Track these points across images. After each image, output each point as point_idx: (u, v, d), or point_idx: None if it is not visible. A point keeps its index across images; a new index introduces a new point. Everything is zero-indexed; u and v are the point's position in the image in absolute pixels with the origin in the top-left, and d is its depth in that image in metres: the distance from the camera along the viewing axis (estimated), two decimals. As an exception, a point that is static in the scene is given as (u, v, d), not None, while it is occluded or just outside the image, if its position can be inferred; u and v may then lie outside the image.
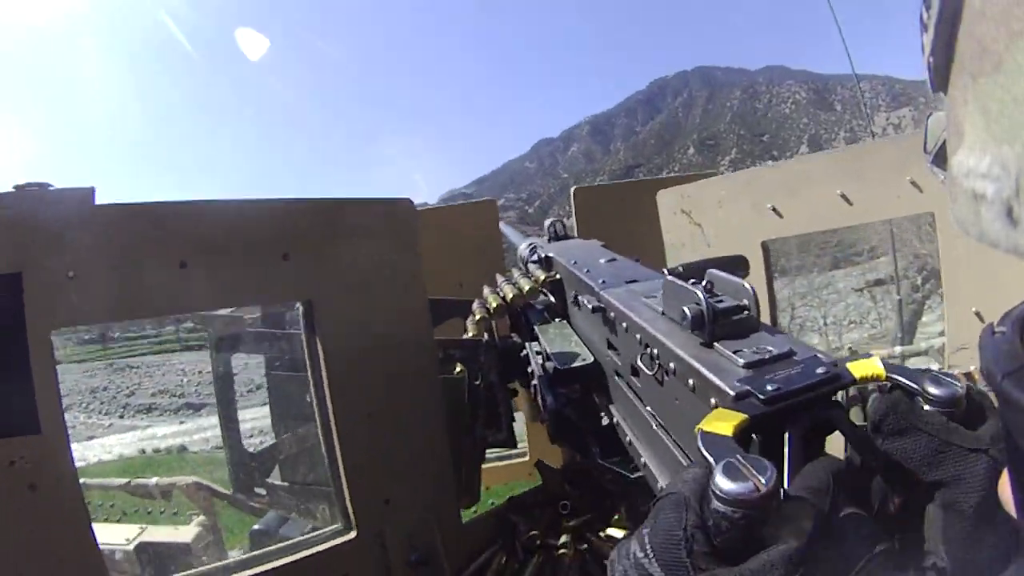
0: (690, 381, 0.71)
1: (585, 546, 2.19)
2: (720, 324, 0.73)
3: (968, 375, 1.81)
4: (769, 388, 0.59)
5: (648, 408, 0.92)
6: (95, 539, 1.39)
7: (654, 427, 0.89)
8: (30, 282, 1.30)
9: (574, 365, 1.28)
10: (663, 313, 0.86)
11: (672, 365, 0.77)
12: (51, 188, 1.39)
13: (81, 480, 1.44)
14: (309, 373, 1.70)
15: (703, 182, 2.59)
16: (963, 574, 0.51)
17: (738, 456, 0.48)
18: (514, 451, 2.90)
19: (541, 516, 2.31)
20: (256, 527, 2.36)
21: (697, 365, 0.69)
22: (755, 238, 2.37)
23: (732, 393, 0.61)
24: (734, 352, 0.68)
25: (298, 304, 1.69)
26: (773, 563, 0.44)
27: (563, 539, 2.22)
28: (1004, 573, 0.48)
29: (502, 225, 2.64)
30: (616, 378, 1.09)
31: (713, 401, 0.64)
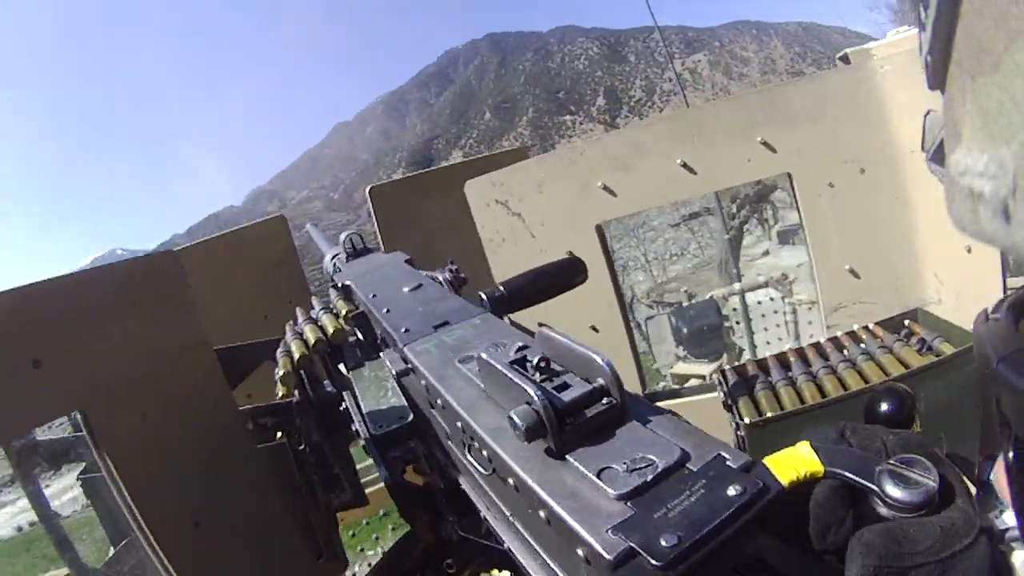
0: (542, 514, 0.53)
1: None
2: (570, 429, 0.55)
3: (852, 334, 1.78)
4: (664, 543, 0.43)
5: (498, 503, 0.69)
6: None
7: (510, 517, 0.66)
8: None
9: (394, 427, 1.10)
10: (486, 393, 0.67)
11: (512, 482, 0.58)
12: None
13: None
14: (114, 493, 1.48)
15: (517, 166, 2.42)
16: None
17: None
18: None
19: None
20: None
21: (549, 500, 0.51)
22: (587, 222, 2.26)
23: (609, 558, 0.44)
24: (599, 472, 0.50)
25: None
26: None
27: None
28: None
29: (308, 227, 2.34)
30: (448, 442, 0.85)
31: (580, 553, 0.47)
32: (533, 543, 0.60)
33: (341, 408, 1.46)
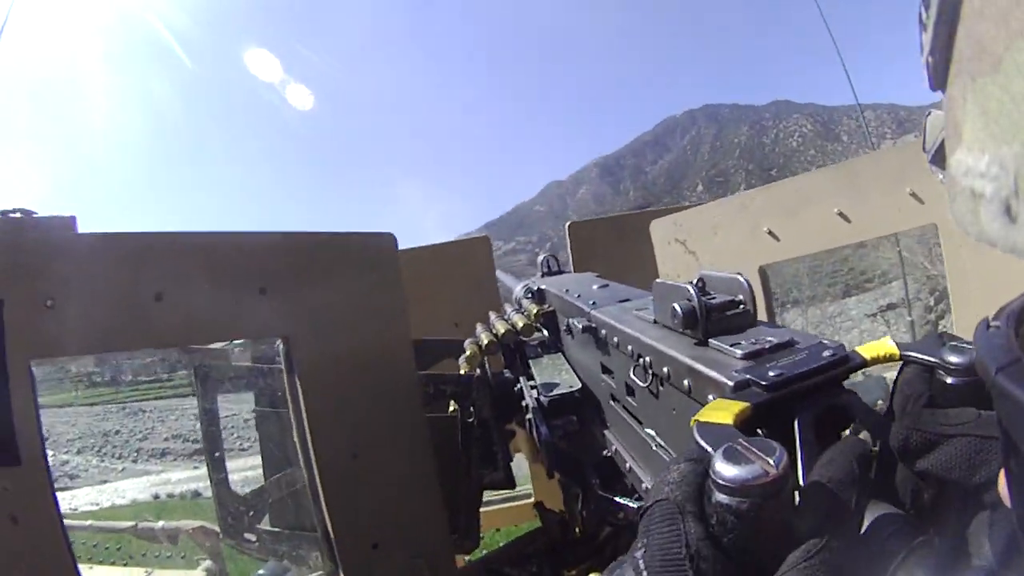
0: (685, 382, 0.66)
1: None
2: (713, 320, 0.69)
3: None
4: (771, 374, 0.54)
5: (646, 429, 0.86)
6: (80, 577, 1.32)
7: (654, 448, 0.82)
8: (10, 310, 1.25)
9: (563, 391, 1.25)
10: (655, 322, 0.82)
11: (666, 369, 0.72)
12: (34, 216, 1.37)
13: (88, 522, 1.38)
14: (291, 413, 1.64)
15: (696, 209, 2.52)
16: None
17: (740, 440, 0.41)
18: (518, 492, 2.81)
19: (539, 563, 2.22)
20: (260, 572, 2.28)
21: (690, 362, 0.65)
22: (752, 263, 2.29)
23: (730, 383, 0.56)
24: (731, 346, 0.64)
25: (278, 341, 1.63)
26: (806, 566, 0.37)
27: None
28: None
29: (498, 273, 2.59)
30: (612, 403, 1.03)
31: (711, 397, 0.58)
32: (667, 449, 0.78)
33: (515, 389, 1.56)
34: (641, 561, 0.40)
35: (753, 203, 2.32)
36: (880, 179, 2.04)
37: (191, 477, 16.36)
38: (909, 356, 0.56)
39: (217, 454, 2.22)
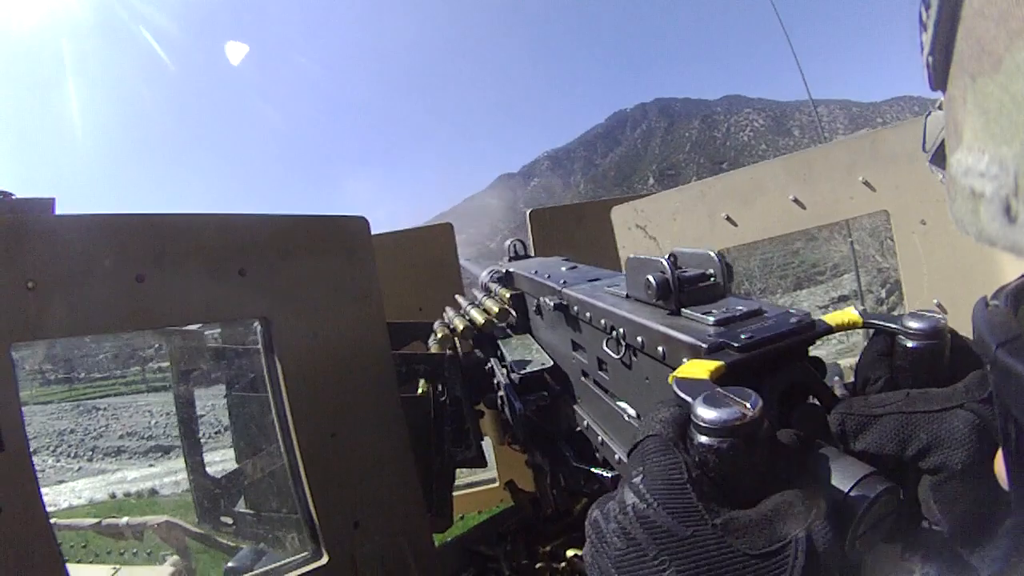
0: (660, 349, 0.70)
1: (564, 564, 2.16)
2: (686, 291, 0.73)
3: None
4: (743, 337, 0.58)
5: (618, 402, 0.91)
6: (66, 571, 1.30)
7: (626, 419, 0.87)
8: (-10, 292, 1.24)
9: (536, 368, 1.30)
10: (627, 296, 0.85)
11: (640, 339, 0.75)
12: (12, 196, 1.36)
13: (52, 521, 1.37)
14: (269, 393, 1.66)
15: (656, 196, 2.60)
16: (961, 533, 0.50)
17: (717, 388, 0.45)
18: (483, 477, 2.87)
19: (514, 541, 2.28)
20: (230, 564, 2.28)
21: (665, 329, 0.68)
22: (712, 248, 2.37)
23: (704, 346, 0.60)
24: (703, 315, 0.67)
25: (256, 323, 1.66)
26: (793, 503, 0.41)
27: (539, 565, 2.19)
28: (1001, 528, 0.47)
29: (462, 260, 2.64)
30: (583, 379, 1.08)
31: (685, 361, 0.60)
32: (637, 412, 0.84)
33: (486, 368, 1.62)
34: (642, 486, 0.43)
35: (711, 190, 2.40)
36: (834, 168, 2.13)
37: (147, 475, 16.06)
38: (872, 323, 0.62)
39: (192, 438, 2.23)
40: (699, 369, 0.52)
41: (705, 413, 0.43)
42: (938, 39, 0.38)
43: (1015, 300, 0.41)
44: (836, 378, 0.65)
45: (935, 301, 1.99)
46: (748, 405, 0.42)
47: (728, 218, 2.36)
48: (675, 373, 0.52)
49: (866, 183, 2.05)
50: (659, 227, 2.52)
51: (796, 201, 2.22)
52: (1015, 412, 0.38)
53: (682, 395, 0.47)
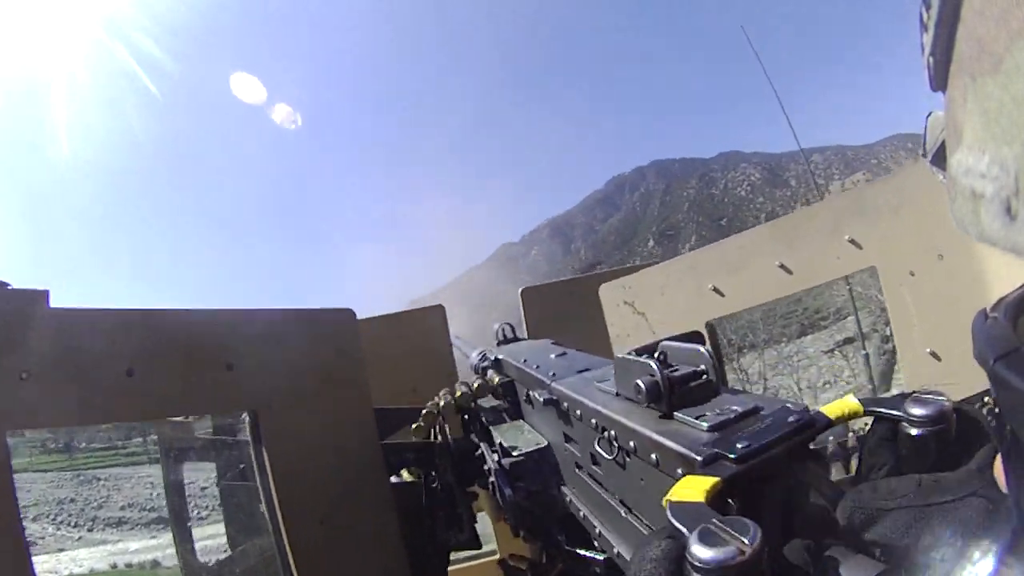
0: (653, 456, 0.66)
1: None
2: (678, 393, 0.69)
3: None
4: (739, 446, 0.56)
5: (615, 496, 0.86)
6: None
7: (623, 515, 0.83)
8: (-14, 381, 1.27)
9: (527, 450, 1.26)
10: (617, 394, 0.82)
11: (632, 443, 0.72)
12: (9, 287, 1.38)
13: None
14: (258, 482, 1.67)
15: (643, 272, 2.62)
16: None
17: (714, 520, 0.44)
18: (485, 550, 2.81)
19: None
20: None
21: (658, 437, 0.65)
22: (699, 320, 2.39)
23: (699, 458, 0.57)
24: (696, 418, 0.64)
25: (244, 415, 1.68)
26: None
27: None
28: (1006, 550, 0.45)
29: (453, 337, 2.63)
30: (576, 470, 1.05)
31: (680, 472, 0.59)
32: (638, 516, 0.78)
33: (476, 454, 1.61)
34: None
35: (698, 262, 2.44)
36: (819, 230, 2.15)
37: (149, 547, 15.74)
38: (873, 411, 0.61)
39: (183, 525, 2.22)
40: (694, 489, 0.51)
41: (701, 553, 0.41)
42: (938, 39, 0.39)
43: (1014, 312, 0.41)
44: (831, 438, 0.63)
45: (928, 350, 1.99)
46: (746, 541, 0.41)
47: (715, 289, 2.38)
48: (668, 496, 0.51)
49: (852, 241, 2.07)
50: (647, 302, 2.54)
51: (782, 267, 2.23)
52: (1011, 423, 0.38)
53: (677, 524, 0.46)
